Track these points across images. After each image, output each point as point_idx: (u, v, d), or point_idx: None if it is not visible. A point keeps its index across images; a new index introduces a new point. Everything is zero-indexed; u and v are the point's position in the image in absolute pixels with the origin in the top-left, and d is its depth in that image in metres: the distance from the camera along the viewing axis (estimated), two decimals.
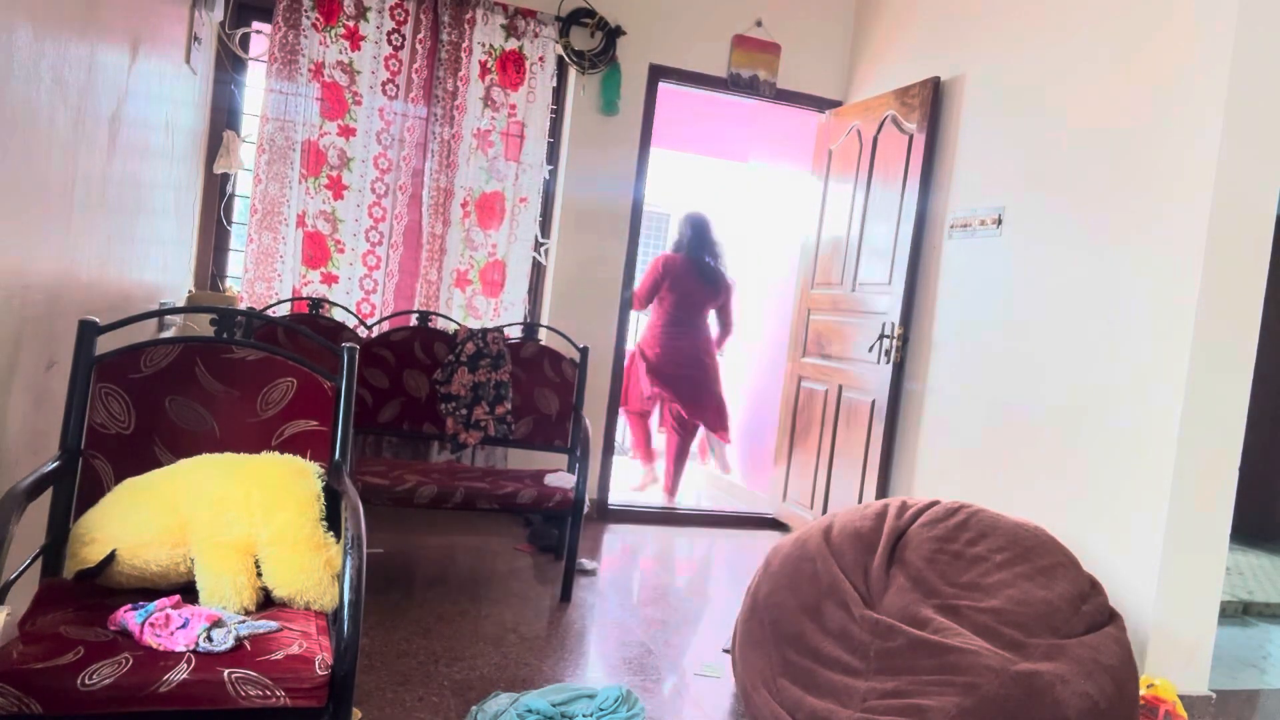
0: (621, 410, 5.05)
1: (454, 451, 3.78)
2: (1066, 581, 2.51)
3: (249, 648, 1.58)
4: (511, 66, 4.28)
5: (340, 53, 4.04)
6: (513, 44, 4.27)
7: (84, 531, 1.80)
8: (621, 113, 4.46)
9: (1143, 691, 2.59)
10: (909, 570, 2.59)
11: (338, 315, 4.04)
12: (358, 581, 1.63)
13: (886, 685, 2.26)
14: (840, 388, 4.43)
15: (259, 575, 1.82)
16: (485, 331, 3.76)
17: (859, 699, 2.26)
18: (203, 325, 3.47)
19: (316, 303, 3.95)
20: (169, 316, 3.36)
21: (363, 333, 4.01)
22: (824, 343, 4.63)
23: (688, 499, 5.43)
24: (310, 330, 3.30)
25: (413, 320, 3.96)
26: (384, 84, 4.11)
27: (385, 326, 4.05)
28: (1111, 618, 2.50)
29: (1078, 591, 2.50)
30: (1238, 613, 4.15)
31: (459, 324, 3.90)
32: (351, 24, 4.04)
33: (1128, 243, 3.05)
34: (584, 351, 3.79)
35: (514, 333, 4.16)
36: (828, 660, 2.38)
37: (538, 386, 3.80)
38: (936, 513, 2.79)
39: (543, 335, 4.29)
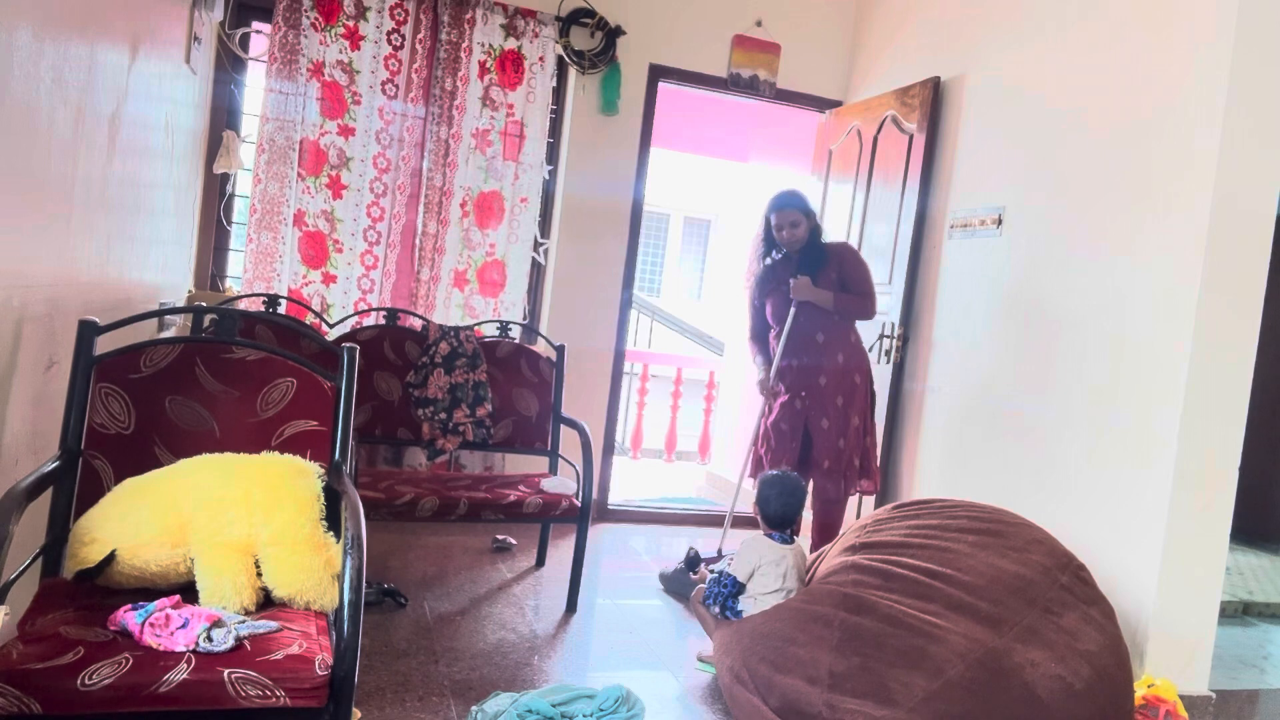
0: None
1: (431, 458, 3.55)
2: (1040, 555, 2.53)
3: (249, 648, 1.58)
4: (510, 66, 4.28)
5: (340, 52, 4.03)
6: (512, 44, 4.26)
7: (84, 531, 1.80)
8: (621, 113, 4.46)
9: (1143, 691, 2.60)
10: (880, 551, 2.62)
11: (312, 310, 3.91)
12: (358, 581, 1.63)
13: (853, 661, 2.27)
14: None
15: (259, 575, 1.82)
16: (458, 330, 3.61)
17: (825, 674, 2.26)
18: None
19: (273, 300, 3.72)
20: (169, 316, 3.35)
21: (331, 331, 3.82)
22: None
23: (687, 497, 5.43)
24: (266, 330, 3.26)
25: (377, 318, 3.82)
26: (383, 84, 4.11)
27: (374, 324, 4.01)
28: (1097, 600, 2.50)
29: (1054, 564, 2.52)
30: (1238, 613, 4.14)
31: (427, 320, 3.70)
32: (351, 24, 4.04)
33: (1128, 242, 3.05)
34: (560, 349, 3.72)
35: (489, 330, 4.00)
36: (794, 639, 2.39)
37: (515, 387, 3.65)
38: (910, 503, 2.86)
39: (526, 334, 4.29)
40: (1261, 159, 2.80)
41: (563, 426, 3.64)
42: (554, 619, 3.13)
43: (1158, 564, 2.79)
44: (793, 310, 3.60)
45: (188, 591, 1.78)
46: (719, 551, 3.82)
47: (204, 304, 3.25)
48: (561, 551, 3.76)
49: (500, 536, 3.95)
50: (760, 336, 3.81)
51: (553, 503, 3.20)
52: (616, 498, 4.80)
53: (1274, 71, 2.78)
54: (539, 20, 4.27)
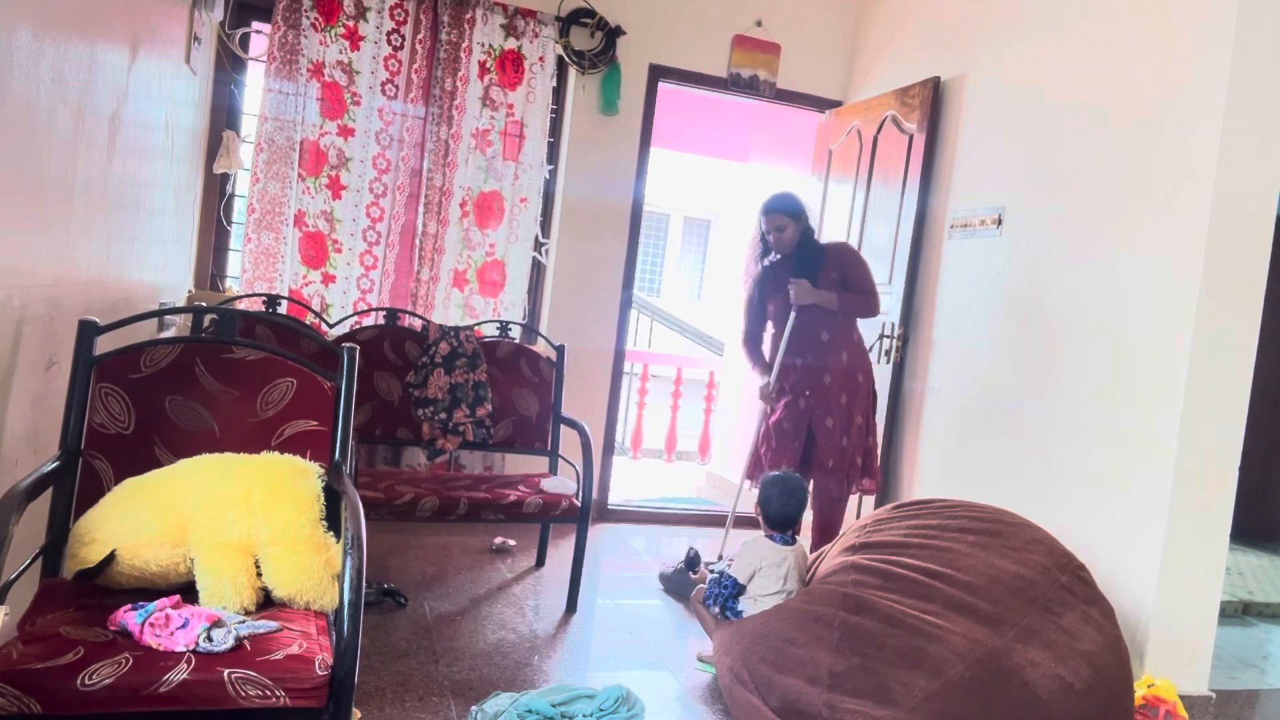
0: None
1: (431, 458, 3.55)
2: (1040, 555, 2.54)
3: (249, 648, 1.58)
4: (510, 66, 4.28)
5: (340, 53, 4.03)
6: (512, 44, 4.26)
7: (84, 531, 1.80)
8: (621, 113, 4.46)
9: (1143, 691, 2.60)
10: (879, 551, 2.62)
11: (311, 310, 3.93)
12: (358, 581, 1.63)
13: (853, 661, 2.27)
14: None
15: (259, 575, 1.82)
16: (458, 330, 3.61)
17: (825, 674, 2.26)
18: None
19: (273, 300, 3.73)
20: (169, 316, 3.35)
21: (330, 331, 3.83)
22: None
23: (687, 497, 5.43)
24: (266, 330, 3.28)
25: (377, 318, 3.83)
26: (383, 84, 4.11)
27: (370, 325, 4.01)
28: (1097, 600, 2.50)
29: (1054, 564, 2.52)
30: (1238, 613, 4.15)
31: (427, 320, 3.70)
32: (351, 24, 4.04)
33: (1128, 242, 3.05)
34: (560, 349, 3.72)
35: (490, 330, 4.00)
36: (794, 639, 2.39)
37: (515, 387, 3.64)
38: (910, 503, 2.86)
39: (526, 334, 4.29)
40: (1261, 158, 2.80)
41: (563, 426, 3.64)
42: (554, 619, 3.13)
43: (1158, 564, 2.79)
44: (793, 314, 3.59)
45: (188, 591, 1.78)
46: (719, 556, 3.82)
47: (204, 304, 3.26)
48: (561, 551, 3.77)
49: (499, 540, 3.94)
50: (754, 339, 3.80)
51: (553, 503, 3.20)
52: (616, 498, 4.80)
53: (1274, 71, 2.78)
54: (539, 20, 4.27)
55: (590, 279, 4.50)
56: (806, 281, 3.55)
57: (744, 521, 4.95)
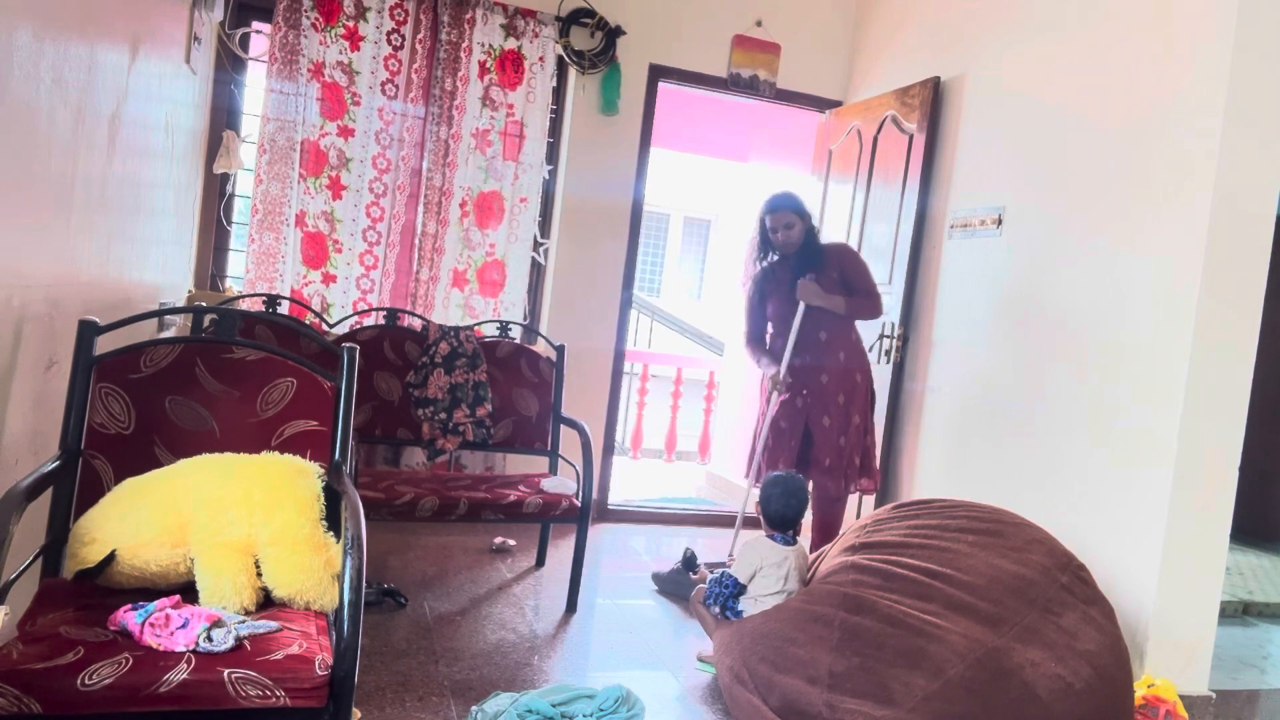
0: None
1: (431, 458, 3.54)
2: (1040, 555, 2.54)
3: (249, 648, 1.58)
4: (510, 66, 4.28)
5: (340, 53, 4.03)
6: (512, 44, 4.26)
7: (84, 531, 1.80)
8: (621, 113, 4.46)
9: (1143, 691, 2.60)
10: (879, 552, 2.62)
11: (312, 311, 3.94)
12: (358, 581, 1.63)
13: (853, 661, 2.27)
14: None
15: (259, 575, 1.82)
16: (458, 330, 3.60)
17: (825, 674, 2.26)
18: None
19: (273, 300, 3.73)
20: (169, 316, 3.35)
21: (330, 331, 3.83)
22: None
23: (687, 497, 5.43)
24: (266, 330, 3.28)
25: (377, 318, 3.84)
26: (383, 84, 4.11)
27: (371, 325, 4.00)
28: (1097, 600, 2.50)
29: (1054, 564, 2.52)
30: (1238, 613, 4.15)
31: (427, 320, 3.69)
32: (351, 24, 4.04)
33: (1128, 242, 3.05)
34: (560, 349, 3.72)
35: (490, 330, 4.00)
36: (794, 639, 2.40)
37: (515, 387, 3.65)
38: (910, 503, 2.86)
39: (526, 334, 4.29)
40: (1261, 159, 2.80)
41: (563, 426, 3.64)
42: (554, 619, 3.13)
43: (1158, 564, 2.79)
44: (800, 309, 3.59)
45: (188, 591, 1.78)
46: (730, 556, 3.82)
47: (204, 304, 3.26)
48: (561, 551, 3.77)
49: (499, 540, 3.94)
50: (758, 339, 3.80)
51: (553, 503, 3.20)
52: (616, 498, 4.80)
53: (1274, 71, 2.78)
54: (539, 20, 4.27)
55: (590, 279, 4.50)
56: (815, 285, 3.54)
57: (751, 522, 4.94)
